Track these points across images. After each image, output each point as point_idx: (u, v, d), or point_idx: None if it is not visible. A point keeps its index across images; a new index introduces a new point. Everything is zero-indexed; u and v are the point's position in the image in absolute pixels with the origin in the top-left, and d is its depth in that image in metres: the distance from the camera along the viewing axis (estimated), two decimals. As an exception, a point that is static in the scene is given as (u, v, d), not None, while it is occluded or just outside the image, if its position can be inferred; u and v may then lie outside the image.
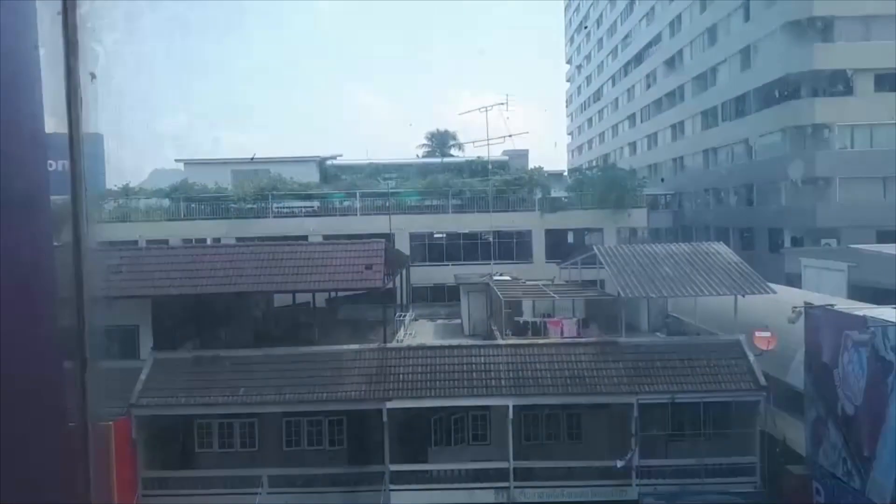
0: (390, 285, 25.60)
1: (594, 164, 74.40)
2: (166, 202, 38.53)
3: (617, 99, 75.22)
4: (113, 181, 35.84)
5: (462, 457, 21.35)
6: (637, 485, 20.21)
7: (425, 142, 65.74)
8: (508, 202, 38.81)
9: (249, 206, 37.97)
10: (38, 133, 1.59)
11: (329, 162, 46.35)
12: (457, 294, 29.30)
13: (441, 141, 64.40)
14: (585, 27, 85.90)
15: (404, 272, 31.48)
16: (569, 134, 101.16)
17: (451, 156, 57.30)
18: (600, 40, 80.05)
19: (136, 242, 32.94)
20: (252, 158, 42.53)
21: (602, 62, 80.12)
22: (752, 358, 20.90)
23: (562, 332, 23.05)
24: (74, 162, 1.64)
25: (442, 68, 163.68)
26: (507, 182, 39.54)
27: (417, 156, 60.29)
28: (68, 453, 1.65)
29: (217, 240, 35.36)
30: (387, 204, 38.18)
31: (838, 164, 39.16)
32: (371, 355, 21.85)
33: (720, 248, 25.35)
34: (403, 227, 37.07)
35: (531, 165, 44.57)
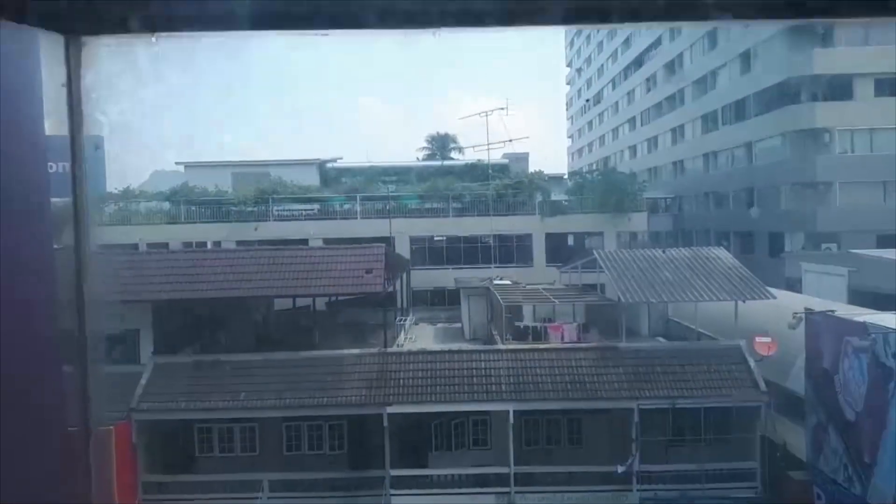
0: (391, 289, 25.60)
1: (594, 167, 74.41)
2: (166, 205, 38.53)
3: (617, 102, 75.24)
4: (113, 184, 35.91)
5: (463, 461, 21.30)
6: (638, 490, 20.18)
7: (425, 145, 65.83)
8: (509, 206, 38.79)
9: (250, 209, 37.95)
10: (39, 135, 1.58)
11: (329, 165, 46.38)
12: (457, 298, 29.32)
13: (441, 144, 64.37)
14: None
15: (405, 276, 31.49)
16: (569, 137, 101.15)
17: (452, 159, 57.33)
18: (600, 43, 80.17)
19: (136, 246, 32.93)
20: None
21: (602, 65, 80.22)
22: (752, 363, 20.87)
23: (562, 337, 23.05)
24: (75, 164, 1.63)
25: (442, 69, 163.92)
26: (508, 185, 39.54)
27: (417, 159, 60.26)
28: (69, 458, 1.64)
29: (217, 243, 35.31)
30: (387, 207, 38.20)
31: (838, 169, 39.17)
32: (372, 360, 21.82)
33: (720, 252, 25.34)
34: (404, 231, 37.04)
35: (531, 169, 44.63)
